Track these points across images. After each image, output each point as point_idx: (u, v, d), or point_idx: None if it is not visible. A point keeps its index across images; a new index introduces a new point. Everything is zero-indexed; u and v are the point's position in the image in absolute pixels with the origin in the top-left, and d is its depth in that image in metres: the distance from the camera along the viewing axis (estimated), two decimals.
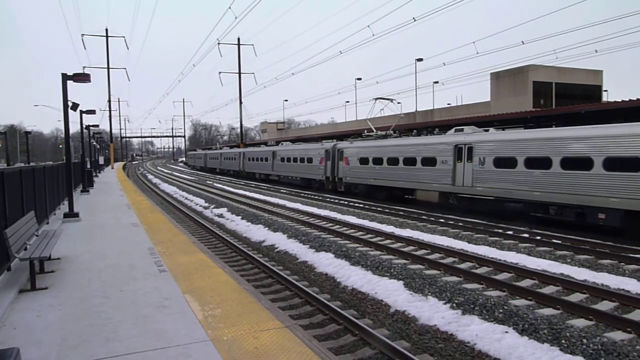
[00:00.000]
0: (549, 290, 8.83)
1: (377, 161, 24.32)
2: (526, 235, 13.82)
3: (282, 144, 43.39)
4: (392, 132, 27.59)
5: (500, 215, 17.11)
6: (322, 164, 30.59)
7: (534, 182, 15.63)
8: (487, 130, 19.56)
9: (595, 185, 13.74)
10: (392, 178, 23.10)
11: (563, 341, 6.56)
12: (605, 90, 41.20)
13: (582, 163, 14.15)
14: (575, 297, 8.39)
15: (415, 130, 29.40)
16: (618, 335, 6.63)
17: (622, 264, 10.64)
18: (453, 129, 21.03)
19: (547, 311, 7.65)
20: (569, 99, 35.99)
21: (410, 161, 21.70)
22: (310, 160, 32.45)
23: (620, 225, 13.37)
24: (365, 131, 29.85)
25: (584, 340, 6.47)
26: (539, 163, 15.48)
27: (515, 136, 17.07)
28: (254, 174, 46.64)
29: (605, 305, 7.94)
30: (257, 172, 45.15)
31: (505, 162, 16.76)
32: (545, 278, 9.37)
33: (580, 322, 7.14)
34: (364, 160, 25.67)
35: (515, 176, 16.28)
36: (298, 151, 35.05)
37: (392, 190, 23.88)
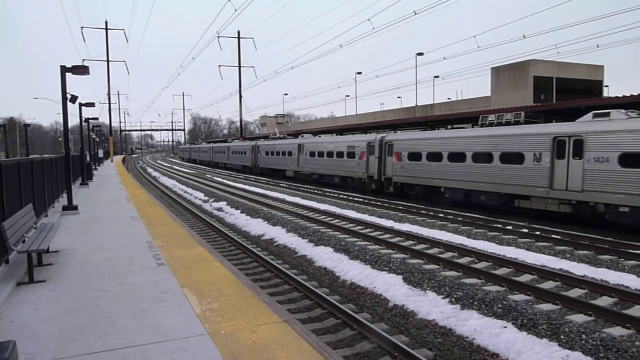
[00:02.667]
0: (548, 285, 8.82)
1: (272, 153, 39.82)
2: (525, 230, 13.80)
3: (234, 141, 61.89)
4: (284, 135, 45.22)
5: (493, 209, 17.15)
6: (249, 155, 46.03)
7: (321, 165, 30.39)
8: (320, 136, 35.30)
9: (335, 165, 28.31)
10: (278, 163, 38.53)
11: (562, 336, 6.55)
12: (606, 86, 41.12)
13: (332, 155, 28.71)
14: (575, 293, 8.38)
15: (291, 135, 44.93)
16: (617, 331, 6.62)
17: (622, 259, 10.63)
18: (300, 135, 37.44)
19: (546, 306, 7.64)
20: (569, 93, 35.89)
21: (283, 153, 36.96)
22: (245, 152, 48.12)
23: (340, 183, 28.24)
24: (271, 134, 47.38)
25: (583, 336, 6.47)
26: (321, 154, 30.33)
27: (317, 140, 33.06)
28: (217, 163, 61.65)
29: (604, 301, 7.94)
30: (220, 162, 60.26)
31: (312, 154, 31.60)
32: (544, 273, 9.37)
33: (579, 318, 7.13)
34: (267, 153, 41.17)
35: (316, 161, 31.14)
36: (239, 147, 51.24)
37: (280, 171, 38.36)
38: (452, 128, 24.30)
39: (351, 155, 26.22)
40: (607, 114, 14.42)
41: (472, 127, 21.86)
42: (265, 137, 47.93)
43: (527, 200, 16.04)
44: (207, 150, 69.88)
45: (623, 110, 14.51)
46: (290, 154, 35.31)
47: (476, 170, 17.73)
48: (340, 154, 27.51)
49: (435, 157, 19.72)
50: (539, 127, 16.25)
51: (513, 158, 16.33)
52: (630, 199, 12.81)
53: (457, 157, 18.61)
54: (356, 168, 25.75)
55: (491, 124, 18.86)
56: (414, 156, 20.97)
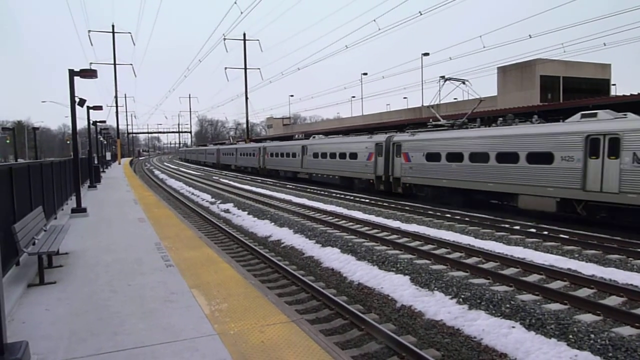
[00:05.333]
0: (556, 285, 8.80)
1: (225, 154, 59.72)
2: (533, 230, 13.75)
3: (209, 145, 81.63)
4: (236, 141, 67.47)
5: (506, 210, 17.10)
6: (216, 155, 65.84)
7: (245, 161, 51.24)
8: (250, 143, 54.96)
9: (249, 160, 49.39)
10: (227, 161, 58.94)
11: (570, 336, 6.53)
12: (614, 84, 40.78)
13: (247, 154, 50.20)
14: (583, 292, 8.35)
15: (238, 142, 68.64)
16: (626, 331, 6.60)
17: (630, 259, 10.56)
18: (238, 142, 65.60)
19: (555, 306, 7.61)
20: (576, 93, 35.63)
21: (229, 153, 57.87)
22: (214, 154, 67.69)
23: (250, 171, 49.10)
24: (226, 142, 68.35)
25: (592, 336, 6.44)
26: (244, 154, 51.39)
27: (243, 145, 55.03)
28: (199, 162, 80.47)
29: (613, 301, 7.91)
30: (201, 160, 79.03)
31: (242, 154, 52.51)
32: (552, 273, 9.33)
33: (587, 318, 7.11)
34: (224, 154, 60.92)
35: (242, 159, 52.23)
36: (211, 149, 71.44)
37: (228, 165, 58.17)
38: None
39: (253, 155, 47.20)
40: (315, 137, 34.73)
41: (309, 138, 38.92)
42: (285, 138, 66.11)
43: (299, 174, 35.18)
44: (194, 152, 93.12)
45: (321, 135, 35.18)
46: (232, 154, 56.11)
47: (288, 161, 37.04)
48: (249, 154, 48.53)
49: (279, 155, 39.29)
50: (300, 141, 35.44)
51: (293, 155, 35.59)
52: (320, 171, 31.11)
53: (286, 155, 37.50)
54: (254, 161, 46.86)
55: (298, 138, 39.26)
56: (274, 155, 40.76)
